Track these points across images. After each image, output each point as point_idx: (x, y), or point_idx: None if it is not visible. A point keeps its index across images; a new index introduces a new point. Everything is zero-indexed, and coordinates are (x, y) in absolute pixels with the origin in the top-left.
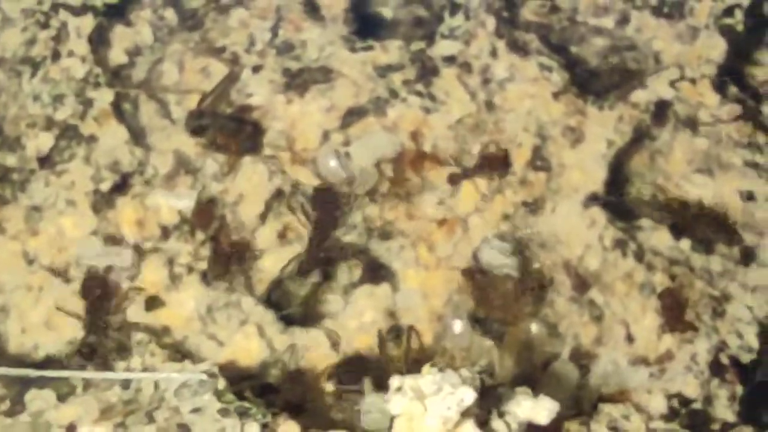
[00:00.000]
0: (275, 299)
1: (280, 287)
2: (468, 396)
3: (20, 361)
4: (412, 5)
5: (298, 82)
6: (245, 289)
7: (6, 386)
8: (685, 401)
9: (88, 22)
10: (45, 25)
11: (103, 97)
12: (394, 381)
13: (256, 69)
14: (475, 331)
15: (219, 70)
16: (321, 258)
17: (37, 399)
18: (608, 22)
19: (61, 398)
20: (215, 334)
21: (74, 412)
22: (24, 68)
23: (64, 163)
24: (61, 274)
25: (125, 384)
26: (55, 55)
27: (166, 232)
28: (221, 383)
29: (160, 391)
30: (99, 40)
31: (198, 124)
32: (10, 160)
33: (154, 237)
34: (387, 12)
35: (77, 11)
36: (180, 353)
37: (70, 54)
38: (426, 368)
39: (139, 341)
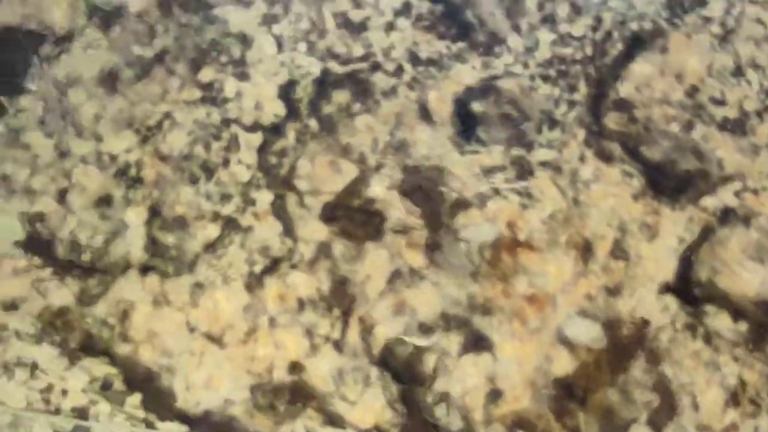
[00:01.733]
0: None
1: (392, 352)
2: None
3: (183, 414)
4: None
5: (413, 179)
6: (365, 354)
7: None
8: None
9: (257, 138)
10: (217, 137)
11: (264, 198)
12: None
13: (378, 167)
14: (562, 397)
15: (348, 167)
16: (429, 327)
17: None
18: (675, 127)
19: None
20: (346, 395)
21: None
22: (195, 169)
23: (224, 248)
24: (216, 340)
25: None
26: (225, 162)
27: (302, 306)
28: None
29: None
30: (263, 150)
31: (332, 214)
32: (170, 239)
33: (292, 310)
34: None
35: (248, 128)
36: (327, 416)
37: (239, 162)
38: None
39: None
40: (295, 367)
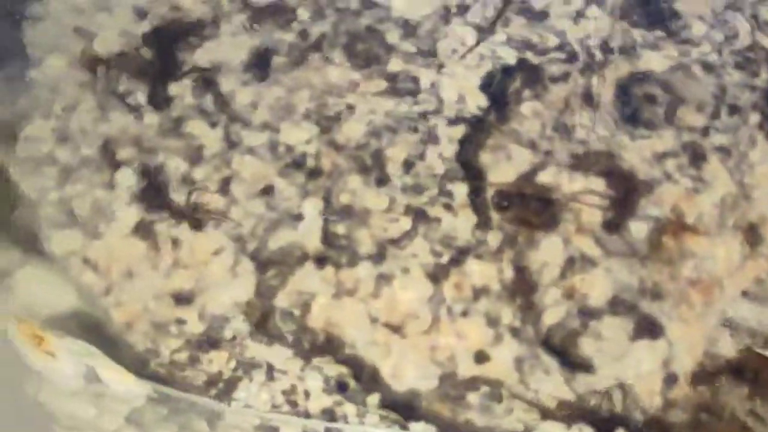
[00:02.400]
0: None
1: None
2: None
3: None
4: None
5: (584, 164)
6: (538, 341)
7: None
8: None
9: (458, 130)
10: (413, 129)
11: (459, 190)
12: None
13: (547, 153)
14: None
15: (520, 154)
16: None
17: None
18: None
19: None
20: (528, 383)
21: None
22: (377, 161)
23: (409, 239)
24: (398, 331)
25: None
26: (421, 155)
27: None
28: None
29: None
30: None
31: (508, 203)
32: (346, 230)
33: (474, 300)
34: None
35: (450, 121)
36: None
37: (436, 154)
38: None
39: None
40: (480, 357)
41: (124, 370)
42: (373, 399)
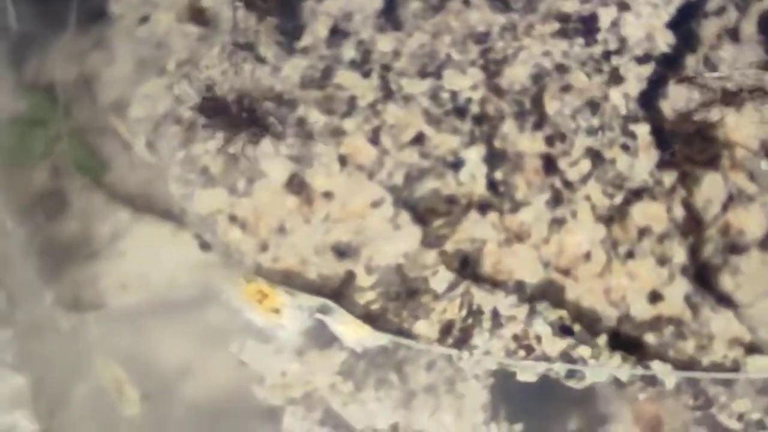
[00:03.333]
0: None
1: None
2: None
3: None
4: None
5: (736, 100)
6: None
7: None
8: None
9: (646, 69)
10: (597, 69)
11: (642, 131)
12: None
13: (704, 88)
14: None
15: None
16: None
17: None
18: None
19: None
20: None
21: None
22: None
23: (582, 182)
24: (572, 275)
25: None
26: (605, 96)
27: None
28: None
29: None
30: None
31: (672, 141)
32: (510, 177)
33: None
34: None
35: (640, 59)
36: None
37: (625, 96)
38: None
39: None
40: (654, 297)
41: (360, 323)
42: (602, 340)
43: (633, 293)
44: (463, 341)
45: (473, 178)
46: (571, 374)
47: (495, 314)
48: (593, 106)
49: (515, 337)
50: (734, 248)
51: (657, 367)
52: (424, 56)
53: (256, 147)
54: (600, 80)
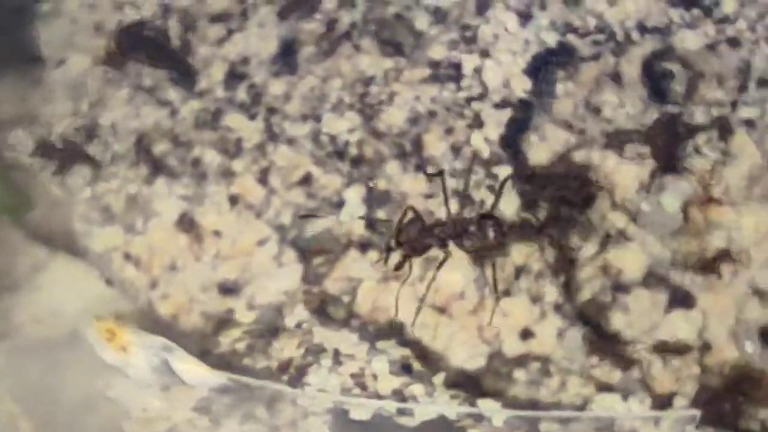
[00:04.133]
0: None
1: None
2: None
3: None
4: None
5: (615, 142)
6: (575, 316)
7: None
8: None
9: (504, 114)
10: (459, 115)
11: (503, 173)
12: None
13: (581, 132)
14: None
15: (557, 135)
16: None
17: None
18: None
19: None
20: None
21: None
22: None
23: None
24: (446, 312)
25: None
26: (467, 140)
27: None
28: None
29: None
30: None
31: (547, 183)
32: (386, 215)
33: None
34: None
35: (498, 105)
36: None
37: (486, 139)
38: None
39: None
40: (525, 334)
41: (199, 362)
42: (439, 379)
43: (506, 330)
44: (298, 379)
45: (352, 217)
46: (401, 412)
47: (336, 353)
48: (456, 150)
49: (353, 375)
50: (620, 287)
51: (484, 405)
52: (314, 99)
53: (151, 187)
54: (463, 124)
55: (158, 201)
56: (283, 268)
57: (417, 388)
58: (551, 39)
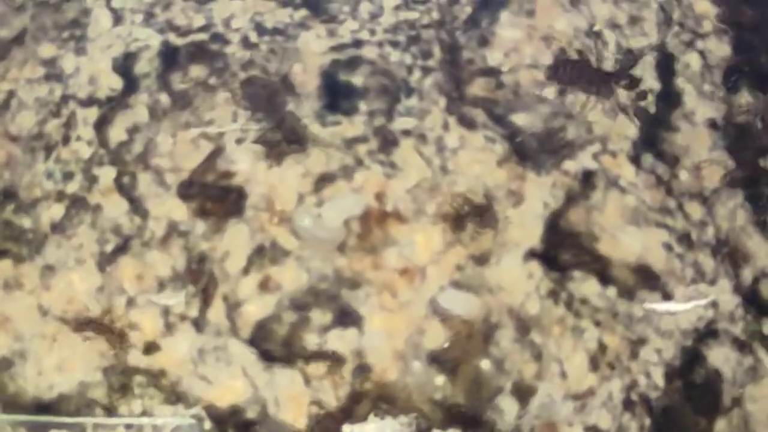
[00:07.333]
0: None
1: (264, 328)
2: None
3: (38, 401)
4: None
5: (276, 152)
6: (231, 332)
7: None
8: None
9: (92, 113)
10: (57, 114)
11: (108, 175)
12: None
13: (239, 141)
14: (432, 369)
15: (204, 143)
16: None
17: None
18: (550, 92)
19: None
20: (205, 375)
21: None
22: (39, 149)
23: (73, 228)
24: (69, 323)
25: (128, 426)
26: (66, 140)
27: (162, 285)
28: (207, 425)
29: None
30: (102, 125)
31: (189, 191)
32: (26, 222)
33: (151, 289)
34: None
35: (84, 103)
36: (175, 395)
37: (78, 138)
38: (371, 417)
39: (138, 383)
40: (150, 348)
41: None
42: None
43: (132, 342)
44: None
45: None
46: None
47: None
48: (48, 149)
49: None
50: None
51: None
52: None
53: None
54: (58, 123)
55: None
56: None
57: None
58: (152, 38)
